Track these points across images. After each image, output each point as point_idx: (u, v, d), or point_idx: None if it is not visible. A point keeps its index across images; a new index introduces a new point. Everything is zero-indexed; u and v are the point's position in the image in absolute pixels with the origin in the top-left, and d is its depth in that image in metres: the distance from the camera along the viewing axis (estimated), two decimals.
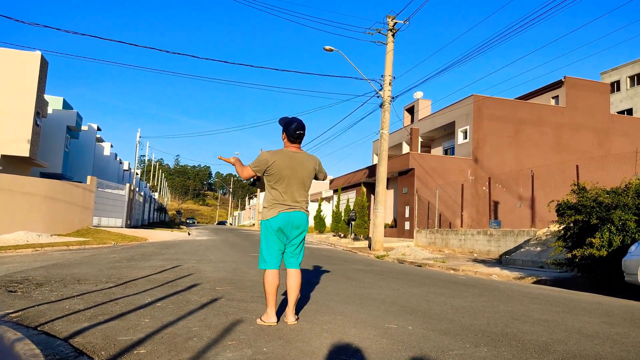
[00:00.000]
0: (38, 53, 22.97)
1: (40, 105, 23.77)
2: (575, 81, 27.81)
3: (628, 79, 40.56)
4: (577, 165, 15.09)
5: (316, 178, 4.22)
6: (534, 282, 9.39)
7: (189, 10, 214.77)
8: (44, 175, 26.91)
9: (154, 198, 52.15)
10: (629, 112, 39.57)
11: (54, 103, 30.30)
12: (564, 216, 9.01)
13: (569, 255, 8.81)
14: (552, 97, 28.63)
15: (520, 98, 30.64)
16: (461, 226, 22.21)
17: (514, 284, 8.64)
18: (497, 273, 10.46)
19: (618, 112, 38.70)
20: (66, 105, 31.65)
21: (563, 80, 27.59)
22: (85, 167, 33.85)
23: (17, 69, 22.50)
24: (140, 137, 40.88)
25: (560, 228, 9.44)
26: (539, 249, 13.17)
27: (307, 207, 4.04)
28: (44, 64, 23.45)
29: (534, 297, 6.49)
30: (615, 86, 41.14)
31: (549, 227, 13.81)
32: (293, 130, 3.95)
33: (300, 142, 4.08)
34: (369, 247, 19.34)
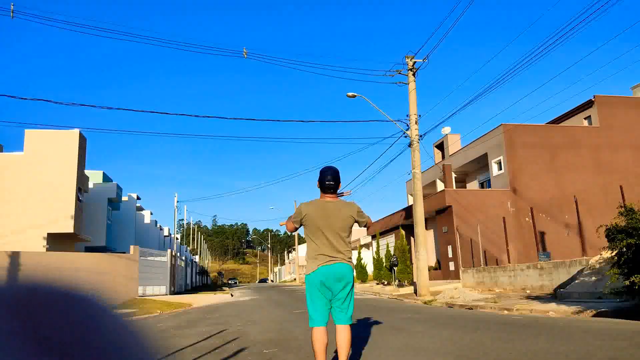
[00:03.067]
0: (76, 131, 24.13)
1: (82, 180, 24.76)
2: (606, 99, 27.21)
3: None
4: (620, 186, 14.53)
5: (359, 225, 4.17)
6: (594, 315, 8.88)
7: (215, 72, 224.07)
8: (89, 249, 27.67)
9: (195, 261, 52.66)
10: None
11: (94, 177, 31.53)
12: (615, 241, 8.60)
13: (627, 282, 8.34)
14: (585, 118, 28.01)
15: (551, 122, 30.10)
16: (508, 262, 21.45)
17: (572, 320, 8.19)
18: (554, 309, 9.95)
19: None
20: (106, 178, 32.86)
21: (593, 99, 27.04)
22: (127, 237, 34.67)
23: (57, 149, 23.64)
24: (177, 201, 41.86)
25: (613, 254, 9.00)
26: (594, 278, 12.53)
27: (349, 258, 3.92)
28: (82, 141, 24.58)
29: (595, 333, 6.12)
30: None
31: (601, 254, 13.18)
32: (323, 180, 3.96)
33: (333, 192, 4.02)
34: (415, 292, 18.82)
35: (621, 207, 9.25)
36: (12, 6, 14.46)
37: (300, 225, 4.00)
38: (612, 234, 8.68)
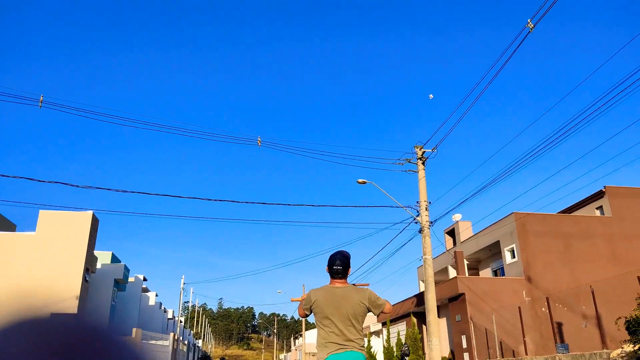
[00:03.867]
0: (90, 212, 24.48)
1: (90, 261, 24.70)
2: (616, 190, 27.31)
3: None
4: (638, 277, 14.17)
5: (374, 313, 4.02)
6: None
7: (229, 158, 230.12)
8: None
9: (197, 346, 50.92)
10: None
11: (103, 257, 31.43)
12: (636, 334, 8.28)
13: None
14: (596, 208, 27.96)
15: (563, 211, 30.02)
16: (526, 353, 20.49)
17: None
18: None
19: None
20: (114, 259, 32.75)
21: (604, 190, 27.15)
22: (131, 318, 33.88)
23: (69, 229, 23.85)
24: (184, 283, 41.30)
25: (636, 348, 8.62)
26: None
27: (361, 346, 3.76)
28: (95, 222, 24.84)
29: None
30: None
31: (622, 348, 12.60)
32: (332, 265, 3.91)
33: (341, 277, 3.93)
34: None
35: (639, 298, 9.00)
36: (41, 97, 15.30)
37: (311, 312, 3.93)
38: (633, 327, 8.38)
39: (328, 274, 4.00)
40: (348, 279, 4.13)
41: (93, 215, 24.84)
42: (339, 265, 3.90)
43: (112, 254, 32.84)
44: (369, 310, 3.94)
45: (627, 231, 25.89)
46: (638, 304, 8.61)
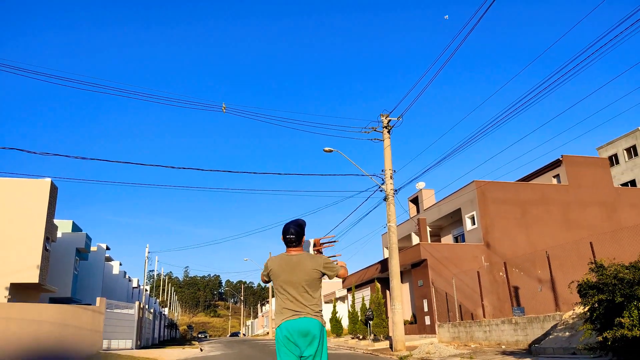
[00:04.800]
0: (48, 180, 23.70)
1: (50, 230, 24.08)
2: (573, 159, 28.26)
3: (625, 152, 41.24)
4: (590, 242, 14.85)
5: (329, 277, 4.13)
6: None
7: (191, 122, 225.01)
8: (53, 300, 26.54)
9: (164, 314, 50.90)
10: (632, 183, 39.73)
11: (64, 226, 30.69)
12: (586, 297, 8.72)
13: (600, 338, 8.39)
14: (554, 177, 28.92)
15: (522, 180, 30.95)
16: (484, 316, 21.38)
17: None
18: None
19: (621, 185, 38.86)
20: (75, 228, 32.03)
21: (561, 159, 28.05)
22: (94, 288, 33.47)
23: (27, 197, 23.09)
24: (149, 252, 40.88)
25: (586, 310, 9.09)
26: (567, 334, 12.57)
27: (317, 312, 3.82)
28: (53, 190, 24.11)
29: None
30: (614, 159, 41.72)
31: (574, 310, 13.29)
32: (285, 234, 3.99)
33: (295, 245, 3.99)
34: (391, 347, 18.49)
35: (592, 263, 9.44)
36: None
37: (269, 279, 4.02)
38: (584, 290, 8.81)
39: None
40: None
41: (52, 183, 24.09)
42: (292, 234, 3.97)
43: (73, 222, 32.08)
44: (324, 275, 4.01)
45: (582, 198, 26.98)
46: (590, 269, 9.04)
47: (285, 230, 4.00)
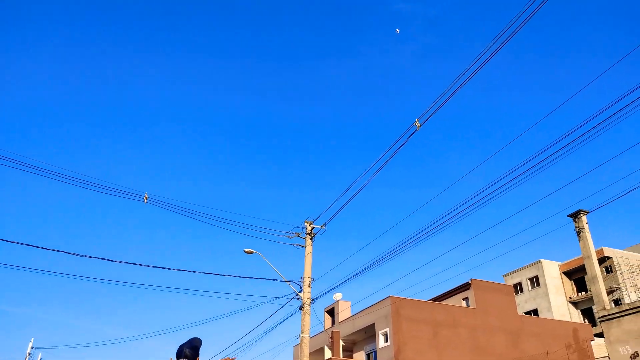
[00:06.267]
0: None
1: None
2: (480, 283, 29.52)
3: (528, 281, 43.83)
4: None
5: None
6: None
7: (112, 211, 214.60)
8: None
9: None
10: (535, 312, 41.78)
11: None
12: None
13: None
14: (463, 299, 29.88)
15: (435, 299, 31.66)
16: None
17: None
18: None
19: (525, 313, 40.73)
20: None
21: (470, 282, 29.23)
22: None
23: None
24: (32, 347, 36.45)
25: None
26: None
27: None
28: None
29: None
30: (519, 287, 44.08)
31: None
32: (177, 357, 3.92)
33: None
34: None
35: None
36: None
37: None
38: None
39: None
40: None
41: None
42: (186, 357, 3.92)
43: None
44: None
45: (489, 323, 27.82)
46: None
47: (179, 353, 3.92)
